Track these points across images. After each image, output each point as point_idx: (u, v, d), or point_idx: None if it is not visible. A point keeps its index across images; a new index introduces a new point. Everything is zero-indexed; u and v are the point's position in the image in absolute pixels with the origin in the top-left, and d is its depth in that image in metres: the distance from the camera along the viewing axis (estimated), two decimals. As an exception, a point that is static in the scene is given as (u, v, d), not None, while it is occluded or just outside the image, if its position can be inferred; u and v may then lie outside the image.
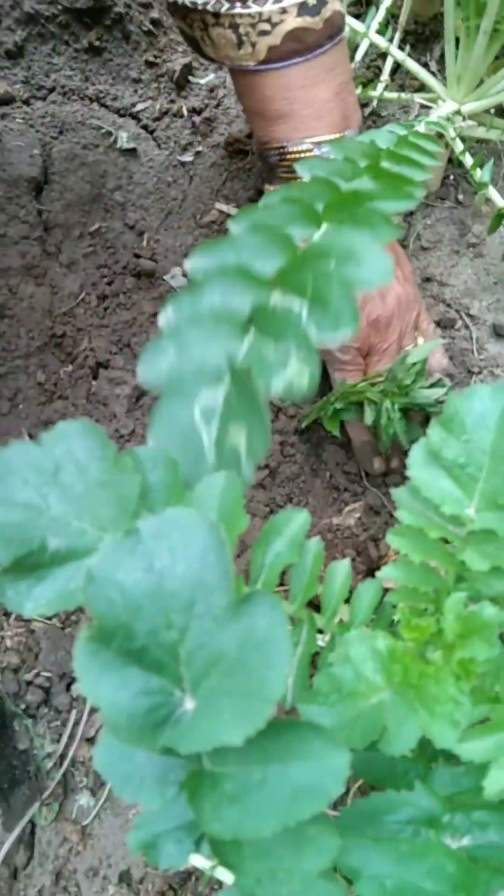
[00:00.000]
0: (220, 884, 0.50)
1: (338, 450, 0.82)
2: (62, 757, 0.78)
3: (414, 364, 0.67)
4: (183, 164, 0.99)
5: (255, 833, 0.28)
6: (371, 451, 0.78)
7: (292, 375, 0.38)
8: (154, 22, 1.03)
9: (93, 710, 0.80)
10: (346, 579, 0.47)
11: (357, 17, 0.97)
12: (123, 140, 0.99)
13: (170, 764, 0.33)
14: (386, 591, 0.52)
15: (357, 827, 0.35)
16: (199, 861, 0.36)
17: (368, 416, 0.70)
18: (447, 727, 0.37)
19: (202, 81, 1.04)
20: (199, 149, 1.00)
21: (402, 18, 0.94)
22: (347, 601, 0.49)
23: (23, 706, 0.79)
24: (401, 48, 0.90)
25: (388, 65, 0.92)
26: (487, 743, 0.38)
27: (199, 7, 0.68)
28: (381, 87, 0.91)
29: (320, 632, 0.47)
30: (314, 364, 0.37)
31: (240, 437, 0.37)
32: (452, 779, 0.40)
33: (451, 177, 0.90)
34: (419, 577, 0.43)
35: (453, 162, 0.89)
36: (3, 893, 0.74)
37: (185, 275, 0.91)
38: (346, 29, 0.74)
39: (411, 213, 0.91)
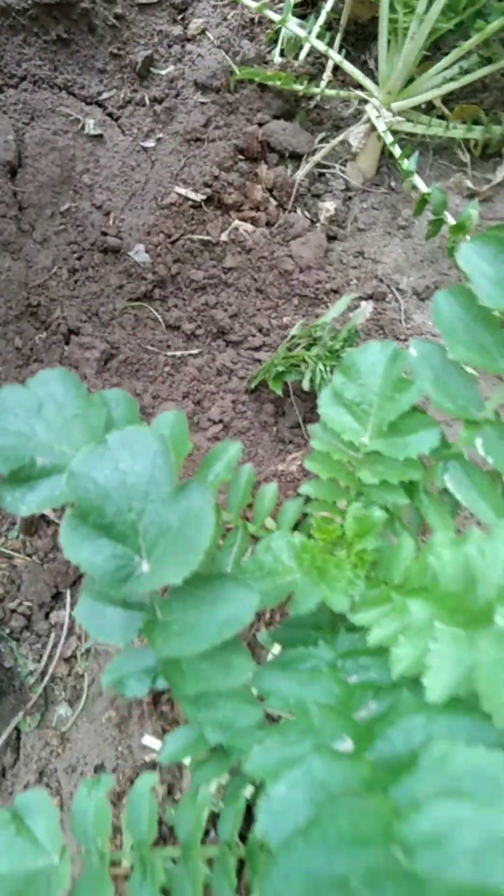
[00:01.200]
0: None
1: (280, 407, 0.94)
2: (42, 674, 0.90)
3: (339, 331, 0.79)
4: (145, 149, 1.09)
5: (193, 652, 0.40)
6: None
7: None
8: (118, 17, 1.12)
9: (69, 634, 0.92)
10: (273, 496, 0.59)
11: (302, 17, 1.07)
12: (90, 126, 1.08)
13: (132, 616, 0.44)
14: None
15: (273, 668, 0.48)
16: (149, 741, 0.47)
17: (306, 377, 0.82)
18: (342, 598, 0.50)
19: (163, 72, 1.13)
20: (160, 136, 1.10)
21: (343, 20, 1.04)
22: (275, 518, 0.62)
23: (7, 631, 0.91)
24: (342, 47, 1.00)
25: (330, 64, 1.02)
26: (372, 613, 0.50)
27: None
28: (323, 83, 1.01)
29: (253, 537, 0.60)
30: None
31: None
32: (350, 642, 0.53)
33: (385, 166, 1.01)
34: (328, 491, 0.55)
35: (385, 153, 1.00)
36: (-6, 786, 0.86)
37: (146, 251, 1.01)
38: (291, 29, 0.84)
39: (350, 198, 1.03)
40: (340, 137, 0.94)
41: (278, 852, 0.30)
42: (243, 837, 0.57)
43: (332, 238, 1.00)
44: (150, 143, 1.09)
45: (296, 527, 0.60)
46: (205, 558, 0.39)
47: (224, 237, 0.99)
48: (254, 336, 0.94)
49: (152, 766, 0.84)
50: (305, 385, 0.80)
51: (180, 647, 0.41)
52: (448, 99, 1.05)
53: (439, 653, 0.40)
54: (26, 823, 0.49)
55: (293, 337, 0.83)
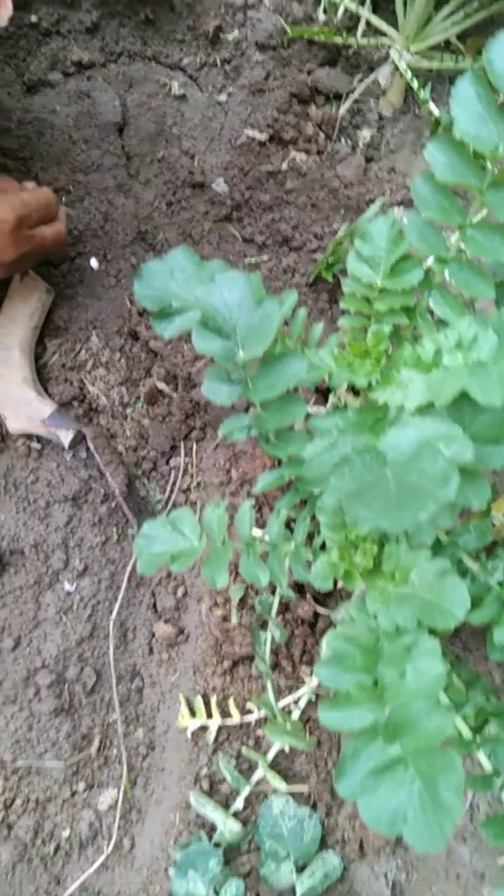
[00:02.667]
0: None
1: (333, 294, 1.22)
2: (167, 502, 1.24)
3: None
4: (219, 102, 1.38)
5: (273, 396, 0.71)
6: None
7: None
8: (191, -5, 1.39)
9: (184, 474, 1.25)
10: (321, 330, 0.89)
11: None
12: (175, 88, 1.37)
13: (234, 388, 0.75)
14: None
15: (319, 416, 0.78)
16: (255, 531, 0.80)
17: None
18: (362, 378, 0.79)
19: (230, 37, 1.41)
20: (231, 90, 1.37)
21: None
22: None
23: (140, 471, 1.25)
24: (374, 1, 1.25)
25: (363, 19, 1.27)
26: (385, 391, 0.79)
27: None
28: (358, 34, 1.26)
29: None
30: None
31: None
32: (370, 410, 0.82)
33: (410, 97, 1.25)
34: (356, 320, 0.84)
35: (408, 87, 1.24)
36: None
37: (225, 182, 1.30)
38: None
39: (383, 126, 1.28)
40: (372, 77, 1.18)
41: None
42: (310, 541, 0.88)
43: (369, 160, 1.26)
44: (223, 98, 1.37)
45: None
46: (274, 342, 0.69)
47: (284, 166, 1.27)
48: (311, 242, 1.23)
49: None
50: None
51: (265, 394, 0.72)
52: (463, 35, 1.28)
53: (412, 388, 0.69)
54: (178, 526, 0.82)
55: (342, 235, 1.11)
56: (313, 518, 0.86)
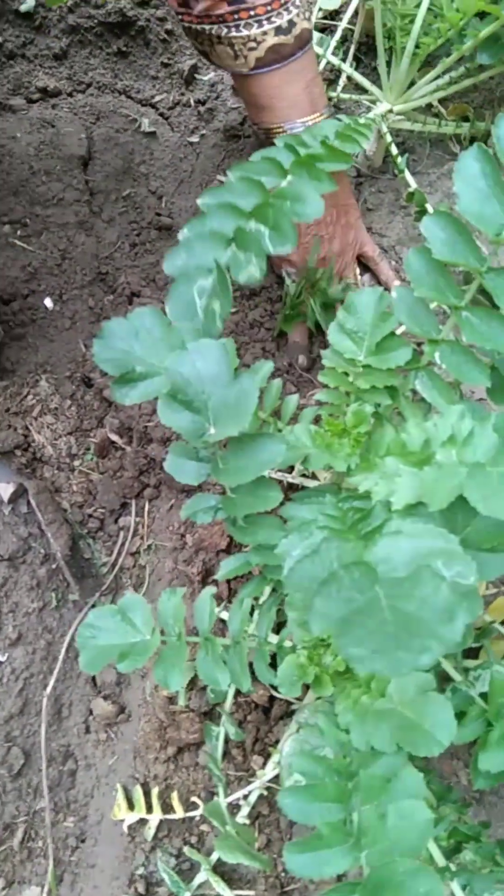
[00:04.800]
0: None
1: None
2: (113, 565, 1.14)
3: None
4: (191, 143, 1.32)
5: (243, 481, 0.63)
6: (299, 349, 1.13)
7: (252, 271, 0.72)
8: (168, 32, 1.34)
9: (134, 535, 1.16)
10: (296, 404, 0.82)
11: (323, 30, 1.28)
12: (146, 125, 1.31)
13: (201, 466, 0.67)
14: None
15: (295, 502, 0.71)
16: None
17: (309, 317, 1.05)
18: (342, 462, 0.72)
19: (205, 78, 1.35)
20: (204, 132, 1.32)
21: (356, 34, 1.25)
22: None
23: (85, 531, 1.15)
24: (356, 56, 1.21)
25: (344, 74, 1.24)
26: (363, 475, 0.72)
27: (207, 32, 0.99)
28: (339, 89, 1.23)
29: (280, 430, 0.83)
30: (264, 266, 0.71)
31: (216, 305, 0.72)
32: (350, 500, 0.75)
33: (390, 157, 1.22)
34: (335, 396, 0.78)
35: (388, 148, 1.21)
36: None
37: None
38: (314, 40, 1.05)
39: (361, 184, 1.24)
40: (352, 133, 1.15)
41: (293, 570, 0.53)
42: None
43: (345, 217, 1.22)
44: (195, 139, 1.31)
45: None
46: (250, 422, 0.62)
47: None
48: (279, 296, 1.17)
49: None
50: (310, 324, 1.05)
51: (235, 479, 0.64)
52: (446, 99, 1.25)
53: (401, 483, 0.63)
54: (128, 615, 0.73)
55: (299, 284, 1.06)
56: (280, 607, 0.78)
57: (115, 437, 1.17)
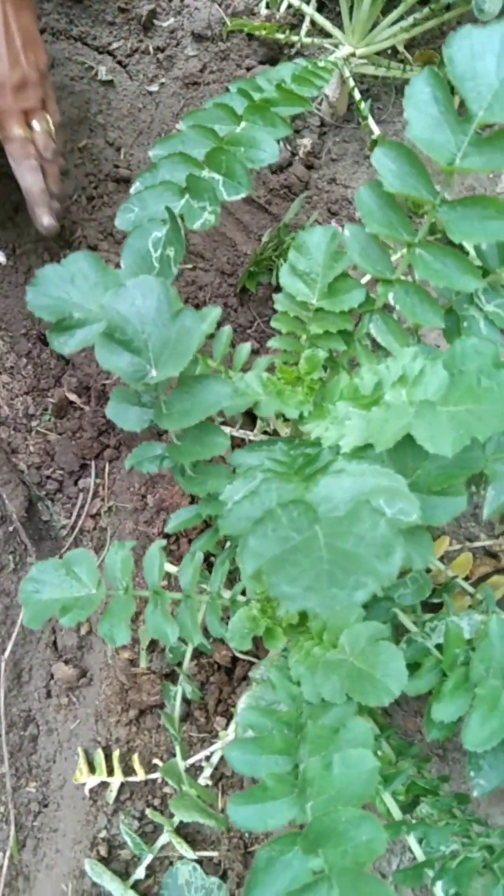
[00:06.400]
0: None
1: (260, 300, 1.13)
2: (73, 527, 1.11)
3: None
4: (150, 93, 1.27)
5: (188, 423, 0.60)
6: None
7: (207, 218, 0.69)
8: (124, -26, 1.28)
9: (94, 497, 1.13)
10: (248, 351, 0.79)
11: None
12: (102, 73, 1.26)
13: (144, 411, 0.65)
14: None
15: (243, 450, 0.68)
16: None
17: (274, 274, 1.02)
18: (293, 410, 0.70)
19: (164, 24, 1.30)
20: (163, 81, 1.27)
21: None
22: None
23: (44, 492, 1.12)
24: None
25: (308, 17, 1.19)
26: (315, 423, 0.69)
27: None
28: (302, 33, 1.18)
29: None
30: (219, 212, 0.68)
31: (171, 252, 0.68)
32: (301, 447, 0.73)
33: (354, 104, 1.18)
34: (288, 342, 0.75)
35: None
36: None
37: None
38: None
39: (325, 133, 1.20)
40: (315, 79, 1.10)
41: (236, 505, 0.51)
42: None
43: (309, 167, 1.18)
44: (154, 88, 1.26)
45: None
46: (193, 361, 0.59)
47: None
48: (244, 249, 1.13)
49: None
50: (274, 281, 1.00)
51: (180, 422, 0.61)
52: (412, 45, 1.21)
53: (349, 426, 0.60)
54: (73, 569, 0.71)
55: (265, 242, 1.02)
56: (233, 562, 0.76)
57: (73, 397, 1.14)
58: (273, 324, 0.74)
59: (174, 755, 0.95)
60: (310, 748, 0.56)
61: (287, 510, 0.48)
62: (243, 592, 0.76)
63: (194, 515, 0.72)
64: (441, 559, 0.99)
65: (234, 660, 1.01)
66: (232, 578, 0.82)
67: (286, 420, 0.77)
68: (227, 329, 0.78)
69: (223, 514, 0.52)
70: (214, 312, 0.74)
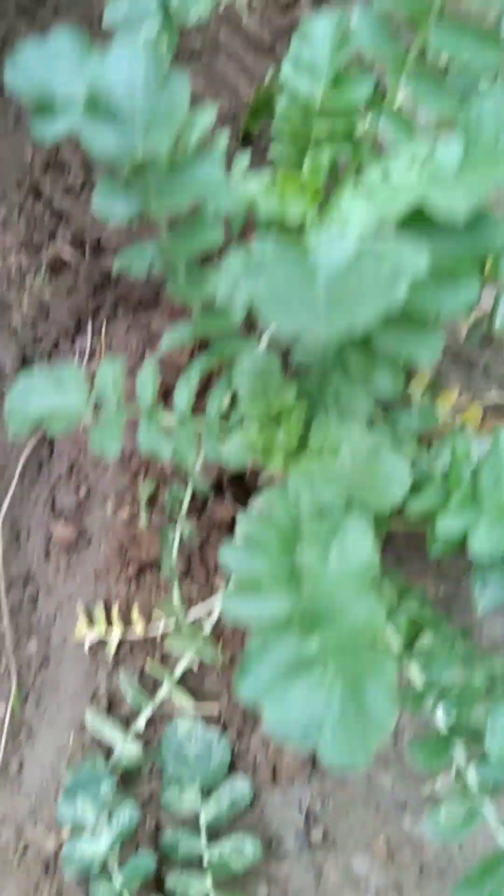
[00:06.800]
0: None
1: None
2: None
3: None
4: None
5: (180, 201, 0.55)
6: None
7: (200, 9, 0.62)
8: None
9: (91, 357, 1.09)
10: (246, 161, 0.74)
11: None
12: None
13: (132, 200, 0.60)
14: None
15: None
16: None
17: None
18: (294, 210, 0.64)
19: None
20: None
21: None
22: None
23: (38, 351, 1.08)
24: None
25: None
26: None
27: None
28: None
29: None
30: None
31: (163, 41, 0.62)
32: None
33: None
34: (290, 148, 0.69)
35: None
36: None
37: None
38: None
39: None
40: None
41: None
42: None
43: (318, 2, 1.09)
44: None
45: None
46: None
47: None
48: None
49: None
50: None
51: (171, 201, 0.57)
52: None
53: (354, 213, 0.55)
54: (62, 382, 0.67)
55: (271, 77, 0.95)
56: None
57: (67, 252, 1.08)
58: (274, 128, 0.68)
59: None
60: (308, 544, 0.53)
61: (282, 259, 0.44)
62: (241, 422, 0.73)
63: (188, 332, 0.68)
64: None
65: (235, 518, 0.98)
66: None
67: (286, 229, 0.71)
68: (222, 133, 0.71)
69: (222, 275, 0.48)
70: (207, 114, 0.68)
